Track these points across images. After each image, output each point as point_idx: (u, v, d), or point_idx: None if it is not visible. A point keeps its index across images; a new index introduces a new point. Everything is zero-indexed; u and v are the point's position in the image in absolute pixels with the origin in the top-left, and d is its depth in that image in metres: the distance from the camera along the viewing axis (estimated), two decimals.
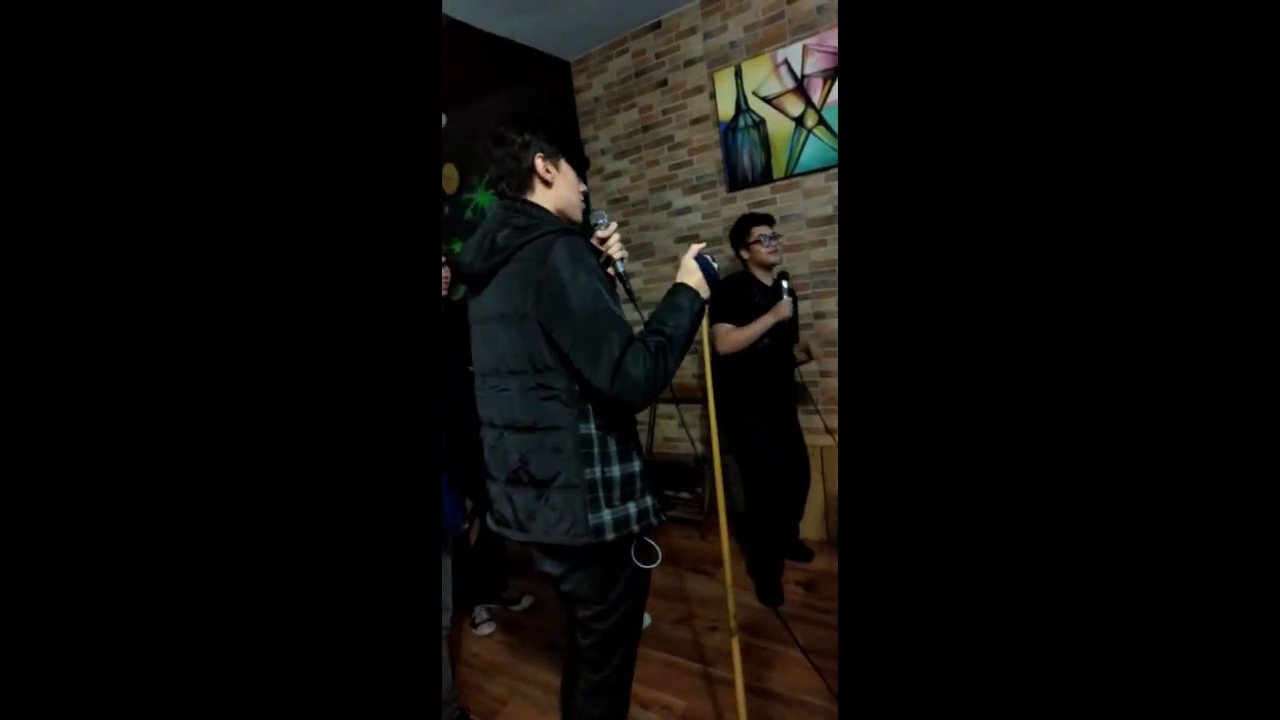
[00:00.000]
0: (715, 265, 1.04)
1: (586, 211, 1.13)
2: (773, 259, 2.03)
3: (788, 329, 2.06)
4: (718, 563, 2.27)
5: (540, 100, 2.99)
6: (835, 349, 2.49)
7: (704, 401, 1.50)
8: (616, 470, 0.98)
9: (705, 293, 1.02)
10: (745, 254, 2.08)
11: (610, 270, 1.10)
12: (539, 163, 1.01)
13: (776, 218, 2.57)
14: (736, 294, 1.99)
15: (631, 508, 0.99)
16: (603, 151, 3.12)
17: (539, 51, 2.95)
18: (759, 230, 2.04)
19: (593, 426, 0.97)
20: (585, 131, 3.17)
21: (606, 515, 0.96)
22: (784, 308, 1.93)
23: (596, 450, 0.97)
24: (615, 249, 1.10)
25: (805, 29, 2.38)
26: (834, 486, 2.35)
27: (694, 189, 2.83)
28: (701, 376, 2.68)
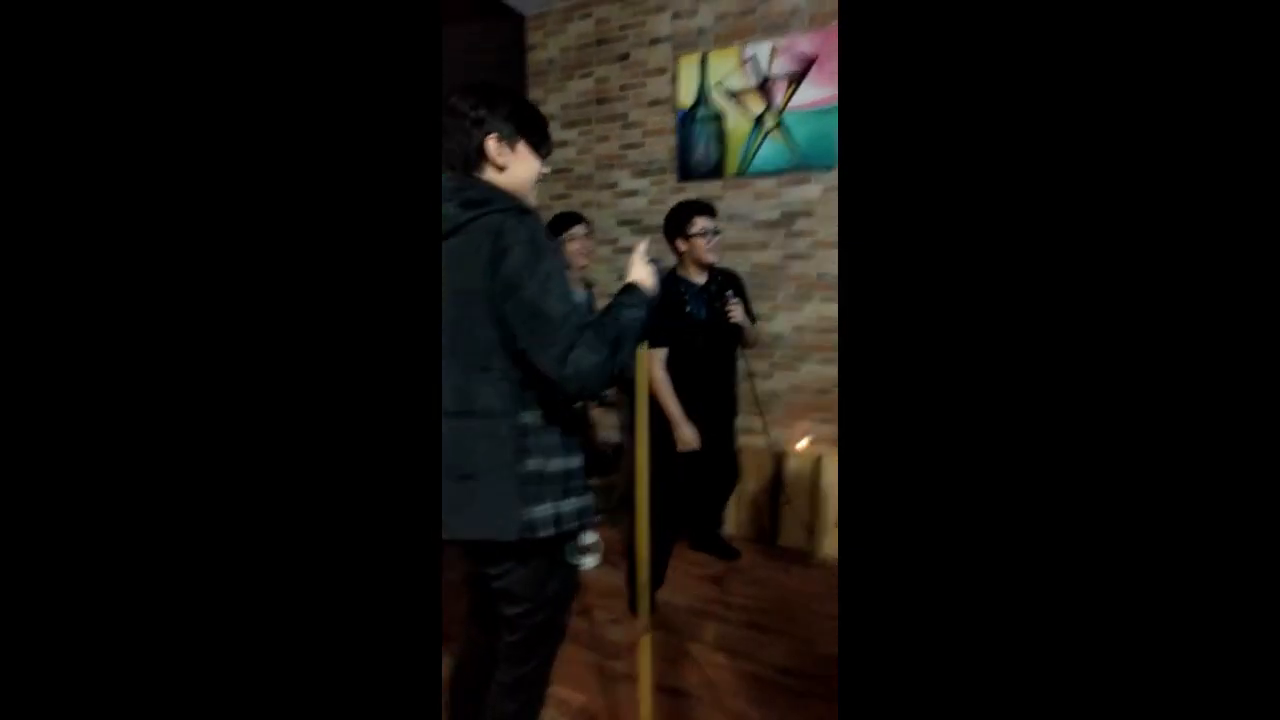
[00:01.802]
0: (660, 269, 1.06)
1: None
2: (711, 257, 1.86)
3: (726, 334, 1.88)
4: (623, 553, 2.22)
5: (483, 50, 2.77)
6: (765, 351, 2.52)
7: (631, 390, 1.42)
8: (558, 463, 0.93)
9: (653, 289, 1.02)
10: (683, 246, 1.86)
11: None
12: (491, 144, 0.93)
13: (724, 215, 2.57)
14: (666, 300, 1.74)
15: (572, 503, 0.95)
16: (551, 118, 2.96)
17: None
18: (703, 222, 1.83)
19: (532, 415, 0.91)
20: (534, 94, 3.00)
21: (541, 510, 0.91)
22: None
23: (534, 440, 0.90)
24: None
25: (777, 29, 2.38)
26: (755, 485, 2.37)
27: (643, 173, 2.76)
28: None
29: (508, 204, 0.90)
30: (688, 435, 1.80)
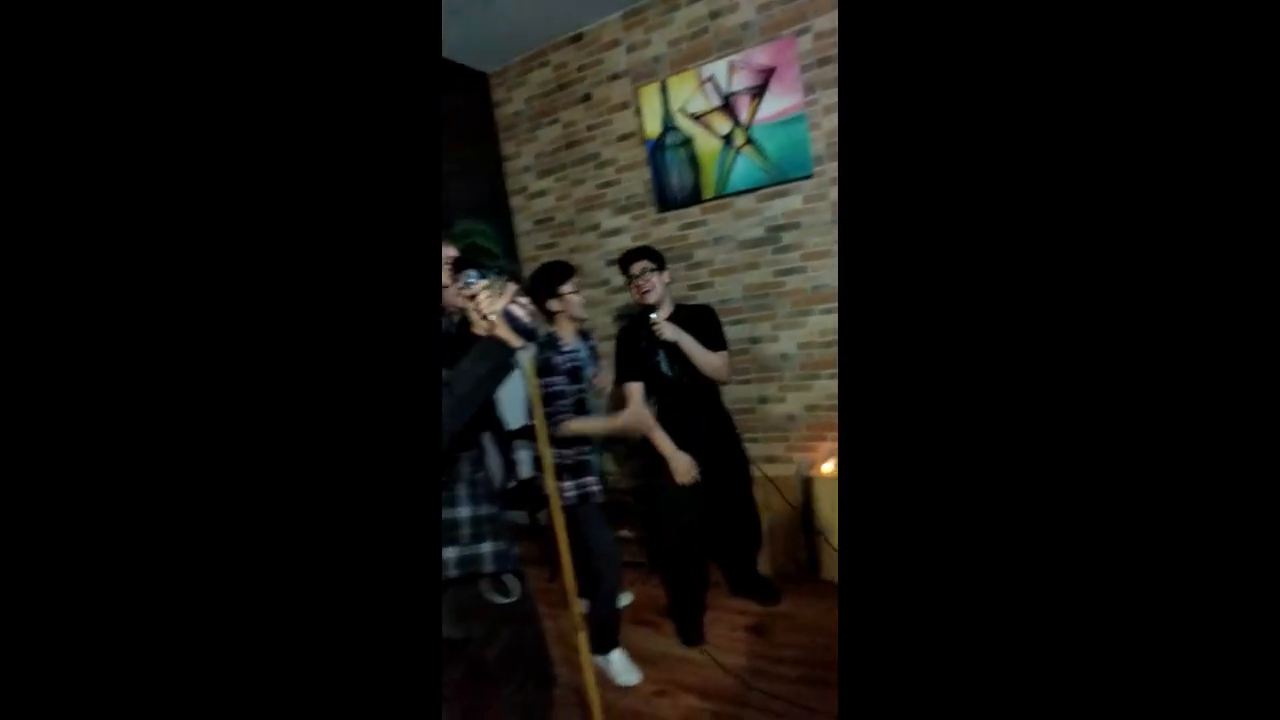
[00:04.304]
0: (529, 320, 1.02)
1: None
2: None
3: (683, 362, 1.85)
4: (660, 611, 2.11)
5: (460, 113, 2.79)
6: (773, 374, 2.40)
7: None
8: (465, 511, 1.07)
9: (517, 342, 1.01)
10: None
11: (485, 327, 1.00)
12: None
13: (708, 238, 2.49)
14: (626, 345, 1.90)
15: (485, 547, 1.09)
16: (525, 169, 2.94)
17: (453, 62, 2.75)
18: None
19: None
20: (507, 148, 2.99)
21: (451, 552, 1.05)
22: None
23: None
24: (486, 305, 1.01)
25: (730, 45, 2.31)
26: (786, 517, 2.24)
27: (623, 209, 2.70)
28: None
29: None
30: (683, 466, 1.79)
